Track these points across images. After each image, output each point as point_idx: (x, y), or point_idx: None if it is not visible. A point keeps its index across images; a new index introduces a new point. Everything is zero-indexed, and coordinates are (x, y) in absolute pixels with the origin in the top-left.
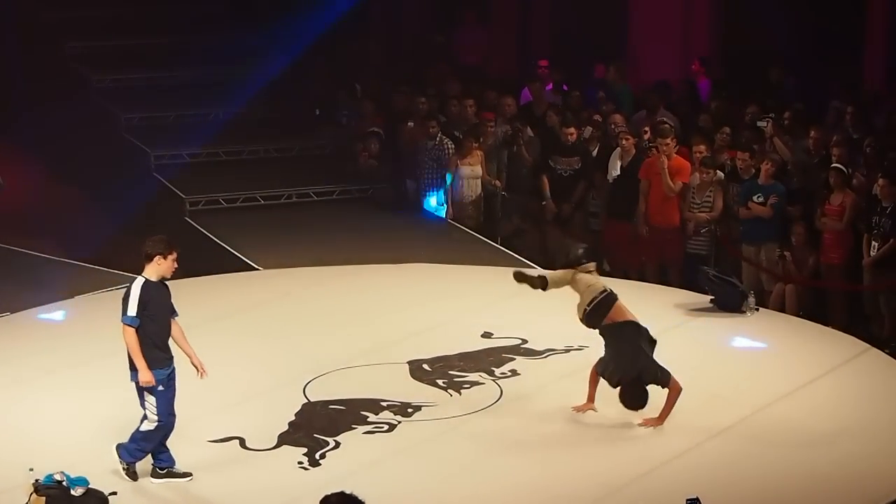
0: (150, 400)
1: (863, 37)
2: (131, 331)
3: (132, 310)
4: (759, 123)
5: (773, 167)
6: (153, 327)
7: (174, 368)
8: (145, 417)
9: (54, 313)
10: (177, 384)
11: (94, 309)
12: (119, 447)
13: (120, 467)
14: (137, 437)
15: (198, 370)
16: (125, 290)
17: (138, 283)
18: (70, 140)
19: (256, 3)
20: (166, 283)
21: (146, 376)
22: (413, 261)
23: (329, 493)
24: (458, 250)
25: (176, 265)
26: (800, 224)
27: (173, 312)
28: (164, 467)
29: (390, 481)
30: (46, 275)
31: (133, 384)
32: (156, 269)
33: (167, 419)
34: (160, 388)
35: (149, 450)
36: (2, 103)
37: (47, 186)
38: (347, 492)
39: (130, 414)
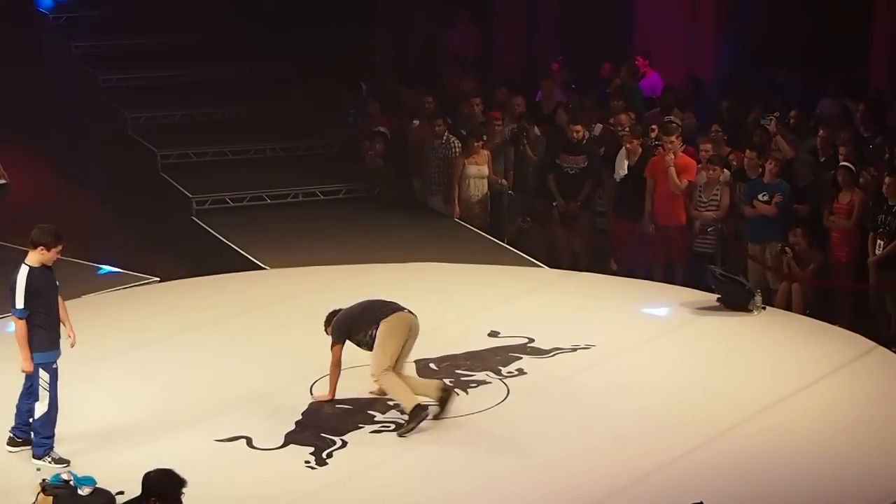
0: (45, 378)
1: (869, 36)
2: (22, 323)
3: (20, 302)
4: (763, 122)
5: (776, 166)
6: (47, 311)
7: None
8: (37, 400)
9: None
10: (172, 384)
11: (102, 308)
12: (35, 451)
13: (44, 463)
14: (36, 426)
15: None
16: (12, 279)
17: (22, 272)
18: (77, 139)
19: (262, 2)
20: (50, 267)
21: (29, 366)
22: (419, 260)
23: (150, 470)
24: (465, 249)
25: (59, 256)
26: (801, 226)
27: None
28: (24, 438)
29: (397, 480)
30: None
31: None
32: (38, 257)
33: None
34: (55, 366)
35: (52, 432)
36: (9, 103)
37: (54, 186)
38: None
39: (137, 412)
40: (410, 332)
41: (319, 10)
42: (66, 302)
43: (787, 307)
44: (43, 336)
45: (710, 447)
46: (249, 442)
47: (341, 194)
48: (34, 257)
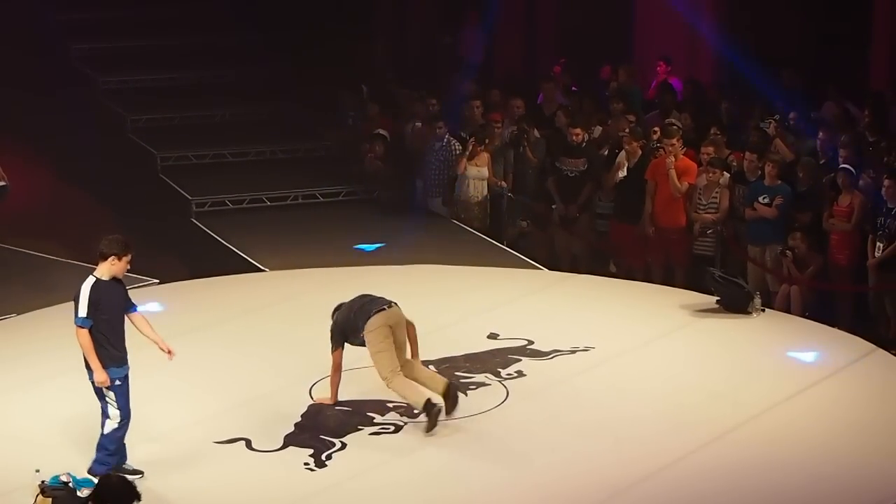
0: (110, 396)
1: (868, 38)
2: (84, 332)
3: (83, 311)
4: (762, 125)
5: (775, 168)
6: (106, 326)
7: (128, 367)
8: (107, 417)
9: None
10: (172, 385)
11: None
12: (93, 466)
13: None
14: (104, 442)
15: (168, 353)
16: (76, 291)
17: (88, 282)
18: (76, 142)
19: (261, 4)
20: (120, 280)
21: (101, 376)
22: (419, 262)
23: (112, 475)
24: (464, 251)
25: (129, 266)
26: (800, 229)
27: (131, 307)
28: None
29: (396, 482)
30: (52, 276)
31: (91, 385)
32: (109, 268)
33: (128, 413)
34: (117, 383)
35: (115, 450)
36: (8, 105)
37: (54, 188)
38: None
39: (136, 414)
40: (392, 327)
41: (319, 13)
42: (66, 303)
43: (787, 309)
44: (101, 353)
45: (710, 449)
46: (248, 444)
47: (341, 196)
48: (104, 269)
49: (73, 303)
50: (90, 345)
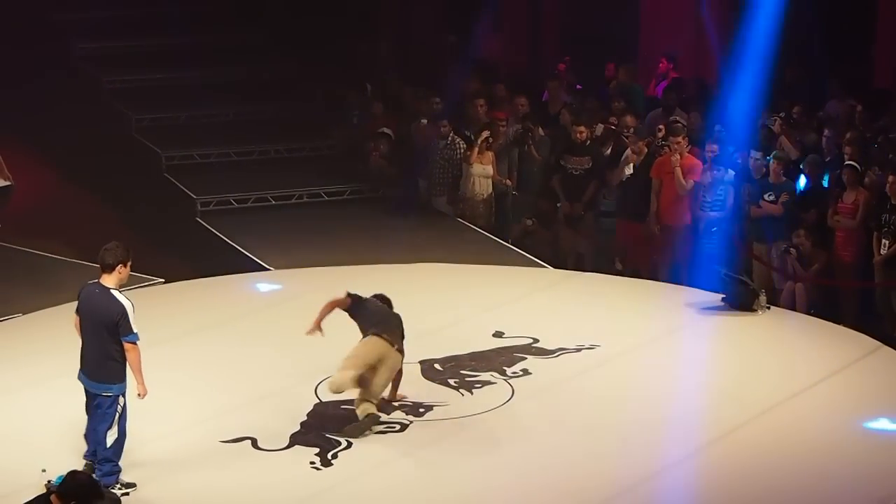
0: (119, 404)
1: (873, 35)
2: (138, 348)
3: (134, 326)
4: (767, 122)
5: (780, 166)
6: None
7: None
8: (109, 429)
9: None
10: (178, 384)
11: None
12: (104, 481)
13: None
14: (109, 455)
15: None
16: (114, 307)
17: (122, 297)
18: (81, 141)
19: (267, 3)
20: None
21: (145, 389)
22: (424, 260)
23: (80, 472)
24: (469, 250)
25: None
26: (805, 228)
27: None
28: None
29: (402, 481)
30: (57, 276)
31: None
32: (118, 278)
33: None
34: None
35: (118, 459)
36: (13, 104)
37: (58, 188)
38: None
39: (142, 414)
40: (381, 359)
41: (323, 11)
42: (71, 304)
43: (792, 307)
44: (123, 366)
45: (716, 447)
46: (255, 443)
47: (346, 195)
48: (114, 279)
49: (118, 323)
50: (140, 361)
